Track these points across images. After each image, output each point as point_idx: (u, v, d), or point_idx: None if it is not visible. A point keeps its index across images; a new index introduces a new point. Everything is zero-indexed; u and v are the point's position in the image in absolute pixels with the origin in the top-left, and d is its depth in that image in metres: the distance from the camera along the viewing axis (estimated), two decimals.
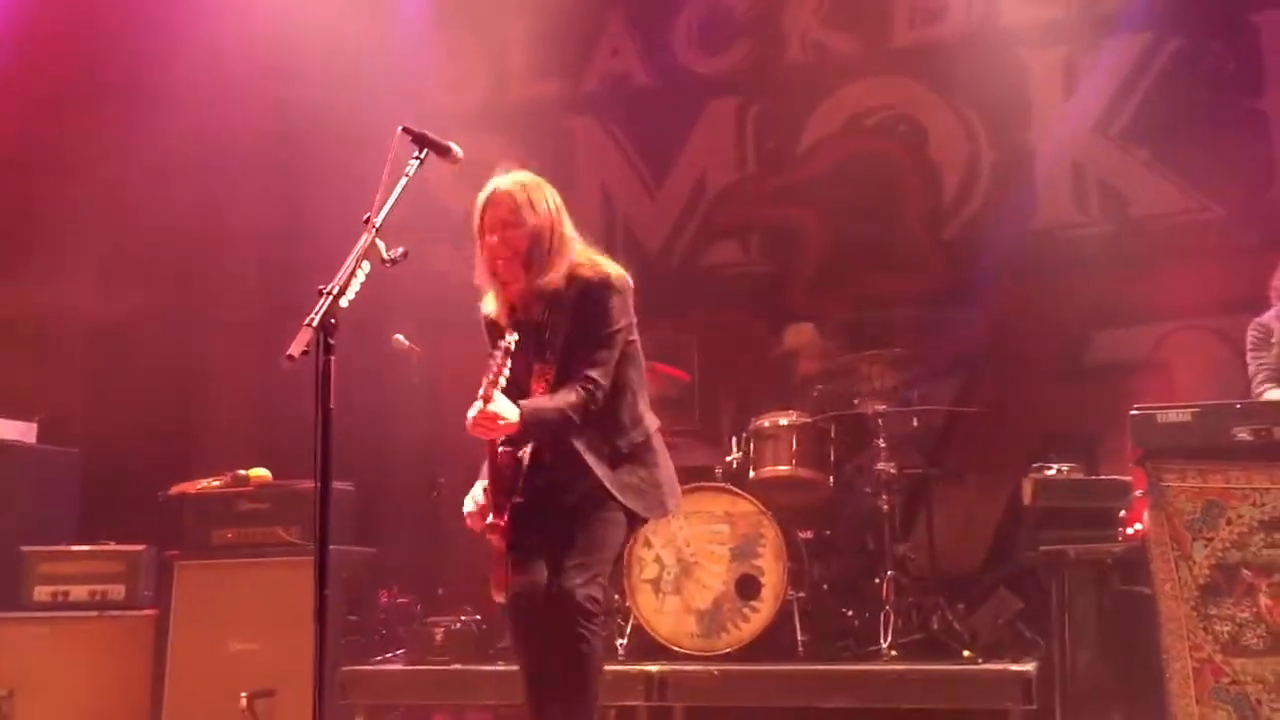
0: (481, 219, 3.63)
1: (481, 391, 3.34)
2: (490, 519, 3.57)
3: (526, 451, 3.62)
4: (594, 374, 3.53)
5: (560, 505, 3.58)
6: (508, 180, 3.65)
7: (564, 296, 3.59)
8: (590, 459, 3.55)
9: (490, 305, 3.73)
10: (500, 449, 3.57)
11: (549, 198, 3.65)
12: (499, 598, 3.70)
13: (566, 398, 3.51)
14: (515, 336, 3.42)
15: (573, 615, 3.40)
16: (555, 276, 3.58)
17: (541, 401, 3.51)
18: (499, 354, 3.35)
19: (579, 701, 3.44)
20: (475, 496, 3.65)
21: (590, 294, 3.58)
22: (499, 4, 7.42)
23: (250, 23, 6.93)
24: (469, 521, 3.66)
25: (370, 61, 7.00)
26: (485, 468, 3.63)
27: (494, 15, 7.51)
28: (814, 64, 7.21)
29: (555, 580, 3.47)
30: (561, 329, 3.58)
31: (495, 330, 3.67)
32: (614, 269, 3.65)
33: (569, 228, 3.66)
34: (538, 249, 3.57)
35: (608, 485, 3.55)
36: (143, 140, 6.90)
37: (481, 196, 3.65)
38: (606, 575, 3.56)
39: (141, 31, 6.99)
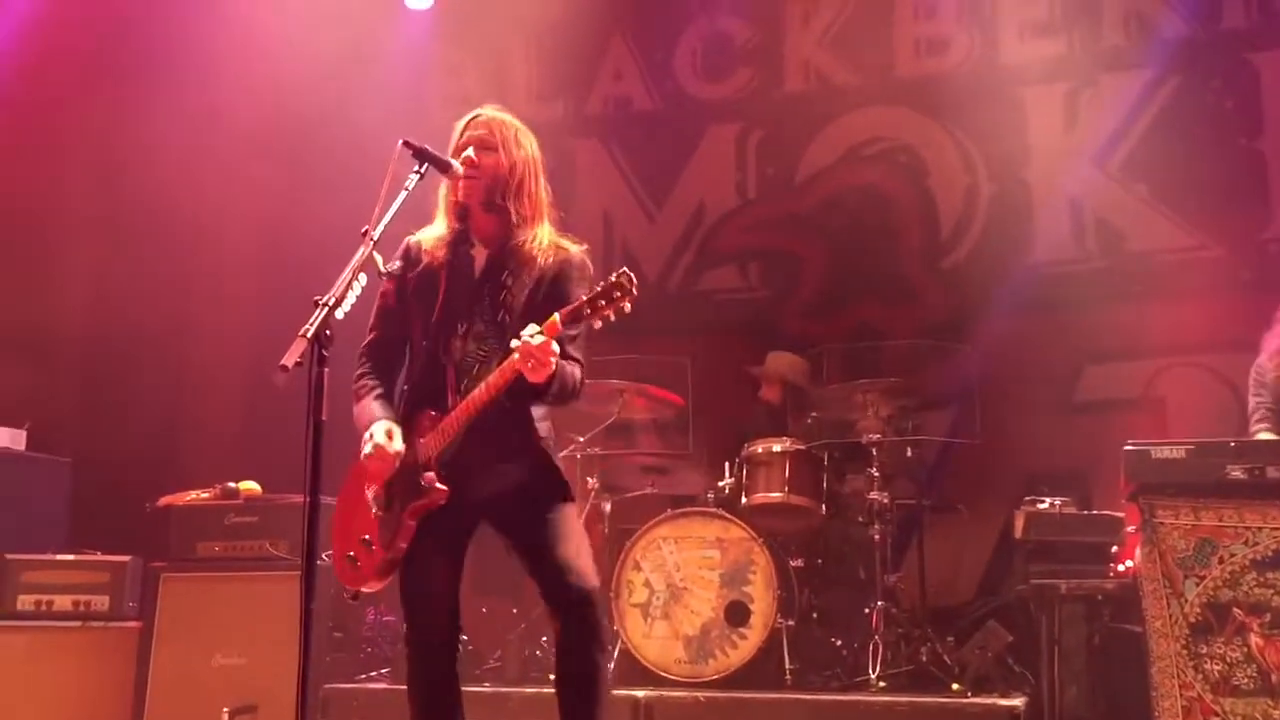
0: (458, 140, 3.33)
1: (557, 317, 3.03)
2: (427, 480, 3.16)
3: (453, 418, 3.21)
4: (580, 357, 3.27)
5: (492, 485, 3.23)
6: (495, 110, 3.39)
7: (536, 263, 3.27)
8: (537, 439, 3.27)
9: (428, 235, 3.37)
10: (431, 412, 3.24)
11: (534, 146, 3.38)
12: (369, 585, 3.29)
13: (574, 370, 3.23)
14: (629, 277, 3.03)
15: (598, 615, 3.18)
16: (539, 236, 3.28)
17: (563, 362, 3.13)
18: (609, 294, 3.01)
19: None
20: (389, 433, 3.19)
21: (573, 272, 3.29)
22: (503, 24, 7.45)
23: (250, 37, 6.93)
24: (376, 461, 3.17)
25: (371, 77, 7.03)
26: (371, 413, 3.24)
27: (497, 36, 7.54)
28: (815, 92, 7.25)
29: (569, 573, 3.15)
30: (524, 295, 3.25)
31: (413, 258, 3.33)
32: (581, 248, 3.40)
33: (546, 191, 3.38)
34: (510, 186, 3.27)
35: (553, 466, 3.28)
36: (139, 150, 6.90)
37: (463, 119, 3.37)
38: None
39: (140, 43, 7.01)
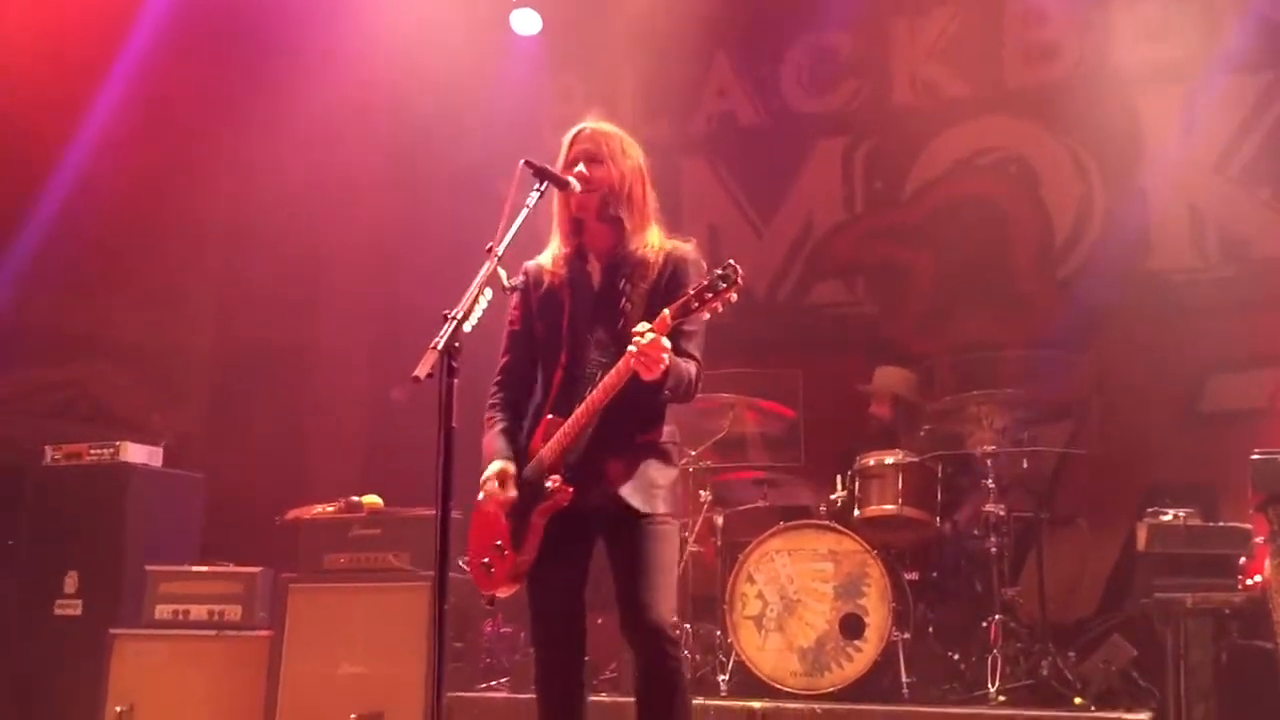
0: (566, 155, 3.41)
1: (667, 313, 3.07)
2: (553, 483, 3.25)
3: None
4: (696, 355, 3.30)
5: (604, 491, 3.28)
6: (598, 121, 3.47)
7: (651, 266, 3.34)
8: (657, 444, 3.32)
9: (546, 257, 3.46)
10: (557, 419, 3.31)
11: (638, 153, 3.45)
12: (503, 590, 3.39)
13: (690, 367, 3.25)
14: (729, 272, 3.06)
15: (672, 652, 3.22)
16: (649, 242, 3.36)
17: (678, 359, 3.17)
18: (712, 289, 3.05)
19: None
20: (501, 477, 3.33)
21: (690, 269, 3.33)
22: (608, 47, 7.57)
23: (365, 63, 7.17)
24: (487, 508, 3.32)
25: (484, 103, 7.20)
26: (493, 450, 3.36)
27: (603, 58, 7.66)
28: (923, 104, 7.21)
29: (642, 610, 3.21)
30: (643, 300, 3.30)
31: (534, 281, 3.43)
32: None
33: (653, 197, 3.45)
34: (621, 196, 3.35)
35: (643, 489, 3.27)
36: (262, 174, 7.17)
37: (568, 134, 3.45)
38: None
39: (262, 73, 7.27)
